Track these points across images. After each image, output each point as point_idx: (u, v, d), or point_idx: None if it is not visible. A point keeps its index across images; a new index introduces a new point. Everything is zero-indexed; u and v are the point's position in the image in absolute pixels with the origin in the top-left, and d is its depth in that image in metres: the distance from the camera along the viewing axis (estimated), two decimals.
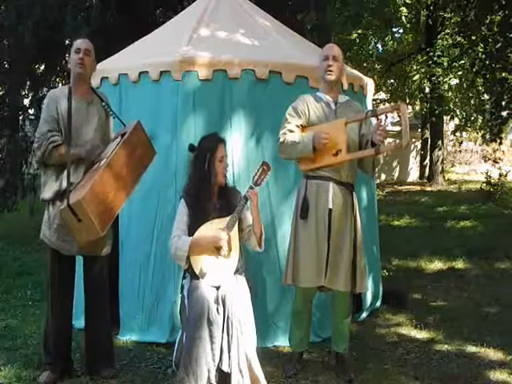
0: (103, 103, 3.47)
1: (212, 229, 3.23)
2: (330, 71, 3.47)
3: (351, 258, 3.41)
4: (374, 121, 3.53)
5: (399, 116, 18.17)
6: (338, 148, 3.37)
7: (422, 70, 14.23)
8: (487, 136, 11.84)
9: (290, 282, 3.48)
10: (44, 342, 3.49)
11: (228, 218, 3.24)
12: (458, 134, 18.31)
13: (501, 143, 11.55)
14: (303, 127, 3.49)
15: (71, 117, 3.27)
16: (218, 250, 3.20)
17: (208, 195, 3.32)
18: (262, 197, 3.91)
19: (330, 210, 3.40)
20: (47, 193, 3.31)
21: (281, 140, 3.46)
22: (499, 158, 11.89)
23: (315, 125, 3.47)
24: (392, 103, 17.19)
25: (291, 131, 3.45)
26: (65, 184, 3.23)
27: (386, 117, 17.00)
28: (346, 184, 3.46)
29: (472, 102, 16.11)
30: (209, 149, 3.31)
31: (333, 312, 3.64)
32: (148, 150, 3.49)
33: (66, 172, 3.23)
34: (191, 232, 3.26)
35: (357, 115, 3.50)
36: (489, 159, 12.11)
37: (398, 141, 3.65)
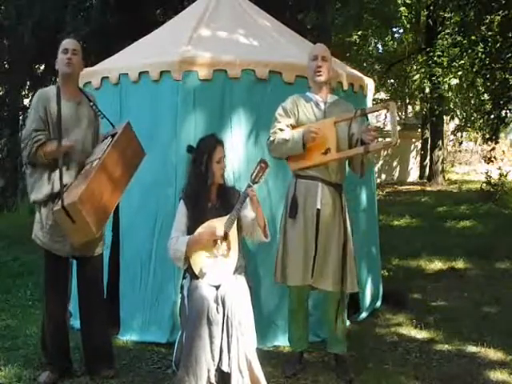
0: (91, 103, 3.47)
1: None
2: (319, 72, 3.48)
3: (340, 259, 3.41)
4: (371, 120, 3.54)
5: (388, 114, 18.23)
6: (328, 147, 3.39)
7: (422, 70, 14.23)
8: (487, 135, 11.84)
9: (278, 281, 3.50)
10: (42, 343, 3.49)
11: (226, 218, 3.24)
12: (458, 133, 18.31)
13: (497, 142, 11.56)
14: (293, 127, 3.50)
15: (61, 118, 3.25)
16: (215, 244, 3.20)
17: (206, 196, 3.33)
18: (262, 195, 3.91)
19: (319, 210, 3.41)
20: (39, 194, 3.28)
21: (271, 139, 3.48)
22: (494, 157, 11.87)
23: (304, 124, 3.48)
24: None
25: (282, 130, 3.47)
26: (57, 185, 3.20)
27: (386, 116, 17.01)
28: (334, 185, 3.47)
29: (472, 101, 16.11)
30: (206, 150, 3.32)
31: (323, 313, 3.65)
32: (138, 150, 3.49)
33: (57, 173, 3.20)
34: (190, 233, 3.26)
35: (346, 114, 3.50)
36: (488, 159, 12.11)
37: (387, 139, 3.65)
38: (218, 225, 3.21)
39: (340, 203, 3.48)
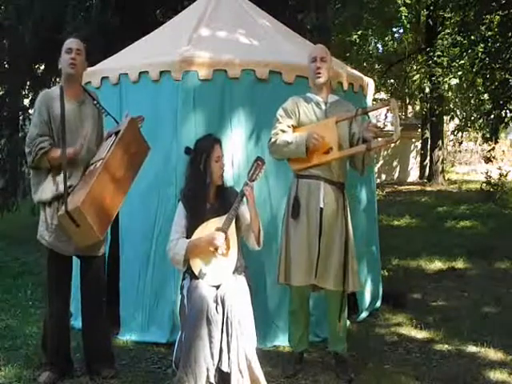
0: (95, 102, 3.46)
1: (208, 229, 3.23)
2: (319, 73, 3.49)
3: (342, 258, 3.42)
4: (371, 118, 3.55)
5: (389, 112, 18.24)
6: (329, 146, 3.39)
7: (422, 70, 14.24)
8: (487, 135, 11.87)
9: (282, 281, 3.50)
10: (43, 342, 3.49)
11: (225, 217, 3.24)
12: (458, 133, 18.32)
13: (496, 142, 11.60)
14: (294, 128, 3.51)
15: (64, 118, 3.24)
16: (215, 250, 3.21)
17: (205, 196, 3.33)
18: (263, 195, 3.92)
19: (321, 209, 3.41)
20: (45, 194, 3.27)
21: (273, 140, 3.48)
22: (494, 157, 11.89)
23: (306, 125, 3.49)
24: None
25: (283, 131, 3.47)
26: (62, 186, 3.19)
27: (386, 116, 17.02)
28: (336, 183, 3.48)
29: (472, 101, 16.11)
30: (204, 149, 3.33)
31: (325, 312, 3.66)
32: (142, 145, 3.47)
33: (62, 175, 3.19)
34: (189, 233, 3.26)
35: (347, 113, 3.51)
36: (488, 158, 12.16)
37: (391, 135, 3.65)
38: (217, 233, 3.20)
39: (342, 202, 3.48)
